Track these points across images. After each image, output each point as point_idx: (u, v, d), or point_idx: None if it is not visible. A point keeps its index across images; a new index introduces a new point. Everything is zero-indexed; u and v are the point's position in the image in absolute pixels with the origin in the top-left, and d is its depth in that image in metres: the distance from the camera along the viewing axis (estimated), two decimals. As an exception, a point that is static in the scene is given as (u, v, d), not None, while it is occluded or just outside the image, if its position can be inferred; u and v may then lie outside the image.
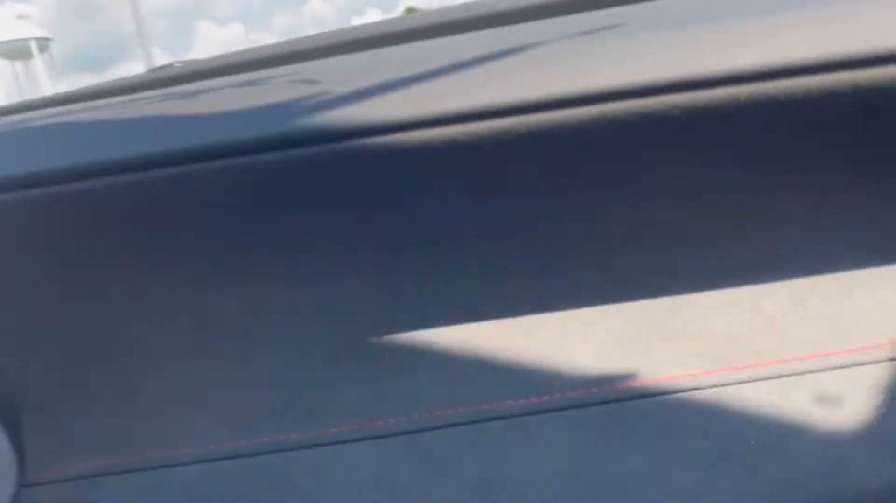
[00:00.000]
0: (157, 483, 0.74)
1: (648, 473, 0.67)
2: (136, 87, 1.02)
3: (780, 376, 0.70)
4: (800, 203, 0.74)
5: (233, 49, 1.19)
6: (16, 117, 0.91)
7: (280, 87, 0.79)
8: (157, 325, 0.79)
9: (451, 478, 0.70)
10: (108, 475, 0.76)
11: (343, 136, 0.68)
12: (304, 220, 0.74)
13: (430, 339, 0.76)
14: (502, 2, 0.93)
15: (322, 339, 0.78)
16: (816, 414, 0.68)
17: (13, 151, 0.77)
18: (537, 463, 0.69)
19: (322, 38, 1.02)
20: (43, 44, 25.61)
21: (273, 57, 0.99)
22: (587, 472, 0.68)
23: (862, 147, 0.71)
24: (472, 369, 0.75)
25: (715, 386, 0.70)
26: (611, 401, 0.71)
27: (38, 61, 25.22)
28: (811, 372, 0.70)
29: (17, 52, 25.18)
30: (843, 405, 0.68)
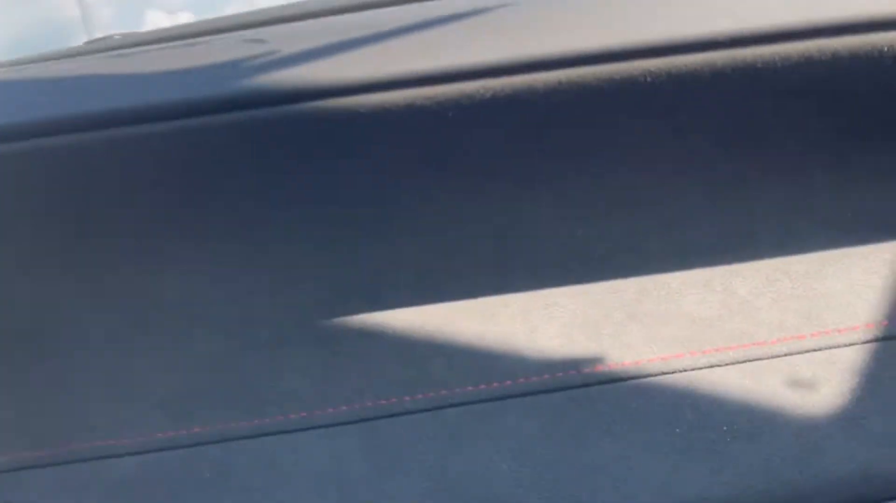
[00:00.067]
0: (88, 477, 0.69)
1: (616, 461, 0.64)
2: (73, 54, 0.97)
3: (752, 359, 0.68)
4: (772, 181, 0.72)
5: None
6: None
7: (227, 49, 0.75)
8: (87, 306, 0.74)
9: (406, 468, 0.66)
10: (31, 468, 0.70)
11: (291, 99, 0.64)
12: (246, 190, 0.70)
13: (384, 321, 0.72)
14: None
15: (266, 321, 0.74)
16: (789, 398, 0.66)
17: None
18: (498, 452, 0.66)
19: (274, 11, 0.97)
20: (-19, 33, 24.95)
21: (219, 28, 0.94)
22: (551, 462, 0.65)
23: (837, 124, 0.70)
24: (428, 353, 0.72)
25: (685, 370, 0.68)
26: (576, 386, 0.69)
27: (-25, 51, 24.56)
28: (783, 355, 0.68)
29: (-47, 40, 24.53)
30: (817, 389, 0.66)
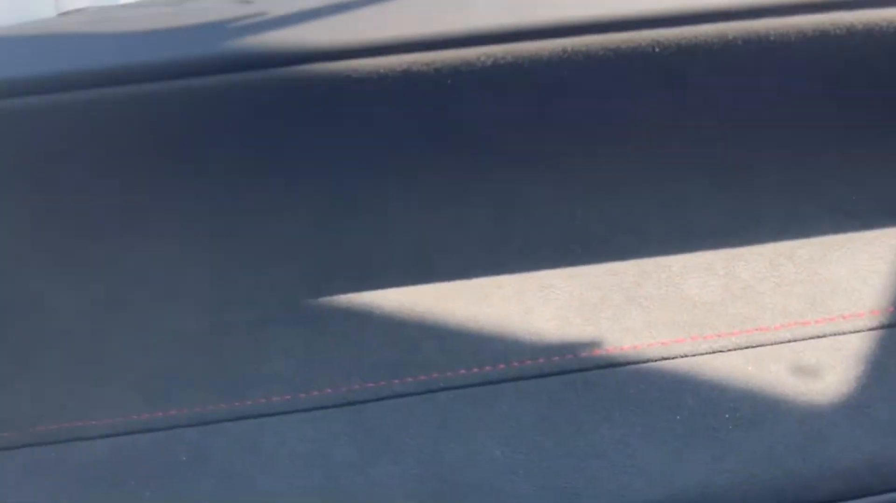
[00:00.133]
0: (56, 460, 0.67)
1: (615, 448, 0.63)
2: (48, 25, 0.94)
3: (755, 345, 0.67)
4: (777, 163, 0.71)
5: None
6: None
7: (214, 10, 0.72)
8: (56, 280, 0.71)
9: (395, 454, 0.64)
10: (-5, 451, 0.67)
11: (280, 62, 0.62)
12: (229, 159, 0.67)
13: (372, 301, 0.70)
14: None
15: (248, 299, 0.71)
16: (793, 385, 0.65)
17: None
18: (491, 438, 0.64)
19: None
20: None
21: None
22: (547, 448, 0.63)
23: (846, 104, 0.69)
24: (418, 335, 0.70)
25: (686, 355, 0.67)
26: (573, 370, 0.67)
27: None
28: (787, 341, 0.67)
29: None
30: (821, 376, 0.65)
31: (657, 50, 0.58)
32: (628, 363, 0.67)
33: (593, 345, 0.68)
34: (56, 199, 0.69)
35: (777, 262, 0.70)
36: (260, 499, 0.63)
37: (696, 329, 0.68)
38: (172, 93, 0.64)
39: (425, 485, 0.62)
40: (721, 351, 0.67)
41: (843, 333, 0.67)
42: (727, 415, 0.64)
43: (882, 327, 0.67)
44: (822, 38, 0.60)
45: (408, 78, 0.60)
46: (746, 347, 0.67)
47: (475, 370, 0.68)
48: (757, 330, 0.67)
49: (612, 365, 0.67)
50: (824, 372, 0.65)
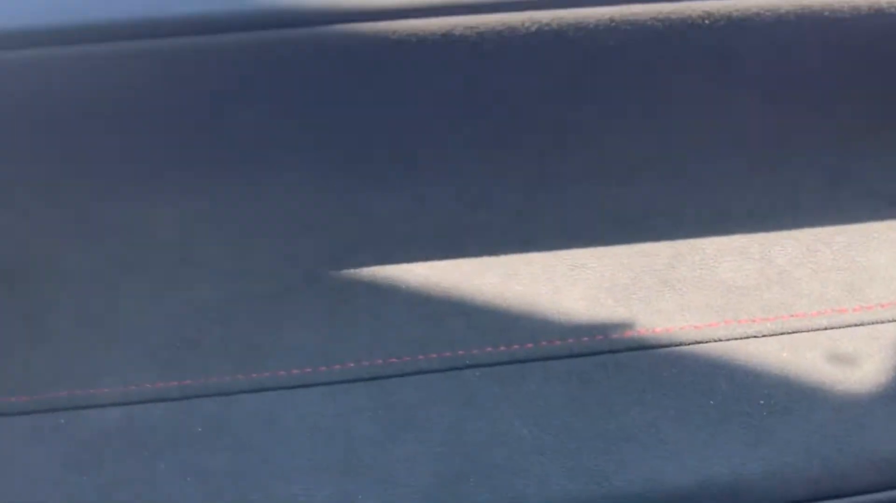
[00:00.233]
0: (65, 427, 0.65)
1: (646, 431, 0.62)
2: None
3: (791, 331, 0.66)
4: (817, 146, 0.70)
5: None
6: None
7: None
8: (69, 241, 0.70)
9: (418, 431, 0.63)
10: (2, 416, 0.66)
11: (311, 20, 0.60)
12: (254, 122, 0.66)
13: (397, 275, 0.69)
14: None
15: (269, 269, 0.70)
16: (829, 373, 0.64)
17: None
18: (519, 418, 0.63)
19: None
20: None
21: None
22: (576, 430, 0.63)
23: (890, 89, 0.68)
24: (444, 311, 0.69)
25: (720, 339, 0.66)
26: (603, 351, 0.66)
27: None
28: (824, 328, 0.66)
29: None
30: (858, 365, 0.64)
31: (707, 22, 0.57)
32: (660, 346, 0.66)
33: (624, 326, 0.67)
34: (73, 156, 0.68)
35: (814, 248, 0.69)
36: (278, 472, 0.62)
37: (730, 313, 0.67)
38: (198, 49, 0.62)
39: (449, 464, 0.61)
40: (756, 336, 0.66)
41: (882, 322, 0.66)
42: (762, 402, 0.63)
43: (921, 317, 0.66)
44: (878, 17, 0.59)
45: (447, 42, 0.59)
46: (782, 333, 0.66)
47: (503, 348, 0.67)
48: (793, 316, 0.67)
49: (644, 347, 0.66)
50: (861, 360, 0.65)
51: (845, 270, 0.68)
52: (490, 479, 0.60)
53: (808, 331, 0.66)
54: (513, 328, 0.68)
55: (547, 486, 0.60)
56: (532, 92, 0.64)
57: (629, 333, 0.67)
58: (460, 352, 0.67)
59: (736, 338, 0.66)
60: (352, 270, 0.70)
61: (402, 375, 0.66)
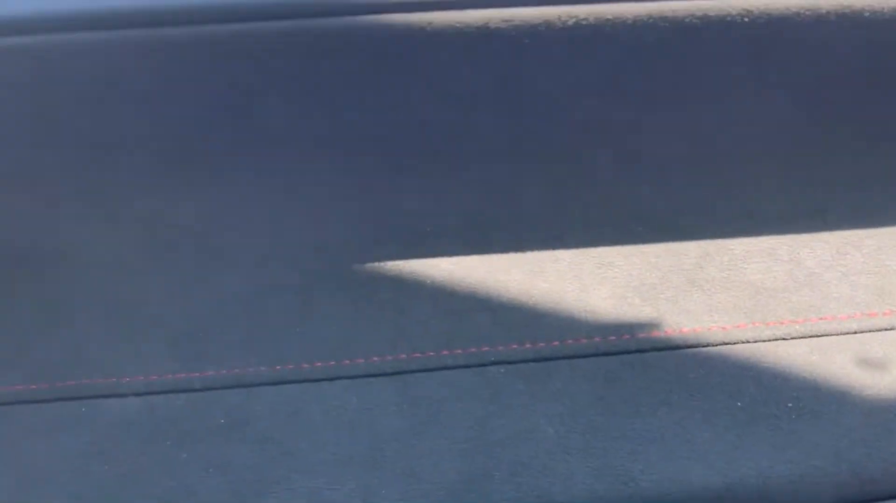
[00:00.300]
0: (85, 415, 0.65)
1: (672, 432, 0.62)
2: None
3: (820, 335, 0.66)
4: (849, 148, 0.70)
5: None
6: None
7: None
8: (94, 228, 0.69)
9: (443, 426, 0.63)
10: (23, 403, 0.66)
11: (343, 10, 0.60)
12: (284, 112, 0.66)
13: (423, 269, 0.69)
14: None
15: (294, 260, 0.70)
16: (858, 377, 0.64)
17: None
18: (544, 416, 0.63)
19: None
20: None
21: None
22: (602, 429, 0.62)
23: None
24: (469, 306, 0.69)
25: (748, 341, 0.66)
26: (630, 351, 0.66)
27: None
28: (853, 332, 0.66)
29: None
30: (888, 369, 0.64)
31: (746, 20, 0.57)
32: (688, 346, 0.66)
33: (651, 326, 0.67)
34: (97, 148, 0.68)
35: (843, 251, 0.69)
36: (301, 466, 0.61)
37: (758, 315, 0.67)
38: (229, 38, 0.62)
39: (474, 461, 0.61)
40: (784, 338, 0.66)
41: None
42: (790, 405, 0.63)
43: (951, 322, 0.66)
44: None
45: (483, 34, 0.58)
46: (811, 336, 0.66)
47: (528, 345, 0.67)
48: (822, 319, 0.67)
49: (671, 347, 0.66)
50: (891, 365, 0.65)
51: (875, 274, 0.68)
52: (515, 477, 0.60)
53: (837, 334, 0.66)
54: (539, 325, 0.67)
55: (572, 485, 0.60)
56: (565, 87, 0.63)
57: (656, 333, 0.67)
58: (485, 349, 0.67)
59: (764, 341, 0.66)
60: (377, 264, 0.69)
61: (426, 370, 0.66)
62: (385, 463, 0.61)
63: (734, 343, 0.66)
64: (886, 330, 0.66)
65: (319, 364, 0.67)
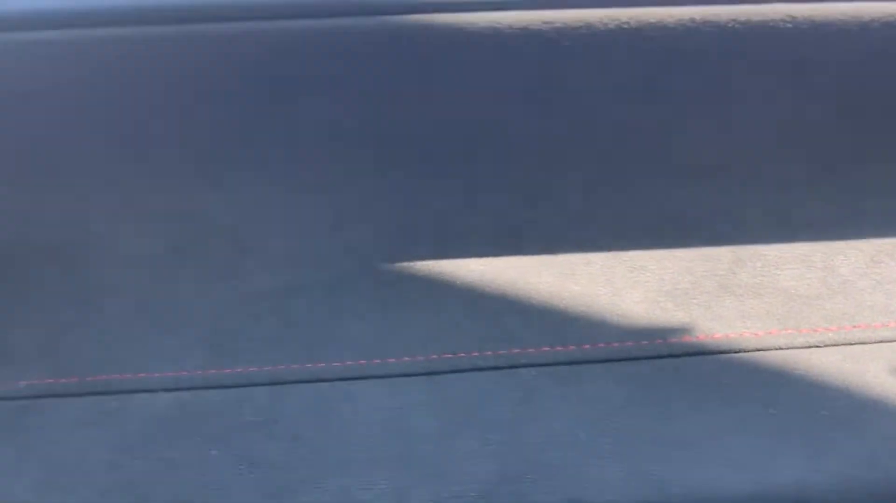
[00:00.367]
0: (115, 411, 0.65)
1: (705, 438, 0.62)
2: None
3: (854, 343, 0.66)
4: (885, 156, 0.70)
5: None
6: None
7: None
8: (126, 224, 0.70)
9: (475, 428, 0.63)
10: (53, 397, 0.66)
11: (385, 10, 0.60)
12: (317, 109, 0.66)
13: (454, 270, 0.69)
14: None
15: (326, 259, 0.70)
16: (893, 386, 0.64)
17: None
18: (576, 419, 0.63)
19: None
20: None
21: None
22: (634, 433, 0.62)
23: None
24: (501, 308, 0.69)
25: (781, 348, 0.66)
26: (662, 355, 0.66)
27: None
28: (888, 340, 0.66)
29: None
30: (923, 379, 0.64)
31: (790, 26, 0.57)
32: (720, 352, 0.66)
33: (684, 331, 0.67)
34: (129, 144, 0.68)
35: (878, 259, 0.69)
36: (332, 465, 0.61)
37: (791, 322, 0.67)
38: (264, 35, 0.62)
39: (506, 463, 0.61)
40: (817, 346, 0.66)
41: None
42: (824, 413, 0.63)
43: None
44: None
45: (523, 36, 0.59)
46: (844, 344, 0.66)
47: (559, 348, 0.67)
48: (855, 327, 0.67)
49: (703, 353, 0.66)
50: (926, 375, 0.65)
51: (910, 283, 0.68)
52: (547, 480, 0.60)
53: (871, 342, 0.66)
54: (570, 328, 0.68)
55: (605, 490, 0.60)
56: (603, 90, 0.64)
57: (689, 338, 0.67)
58: (516, 351, 0.67)
59: (797, 348, 0.66)
60: (407, 263, 0.69)
61: (457, 371, 0.66)
62: (417, 463, 0.61)
63: (767, 350, 0.66)
64: None
65: (350, 363, 0.67)
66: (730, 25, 0.59)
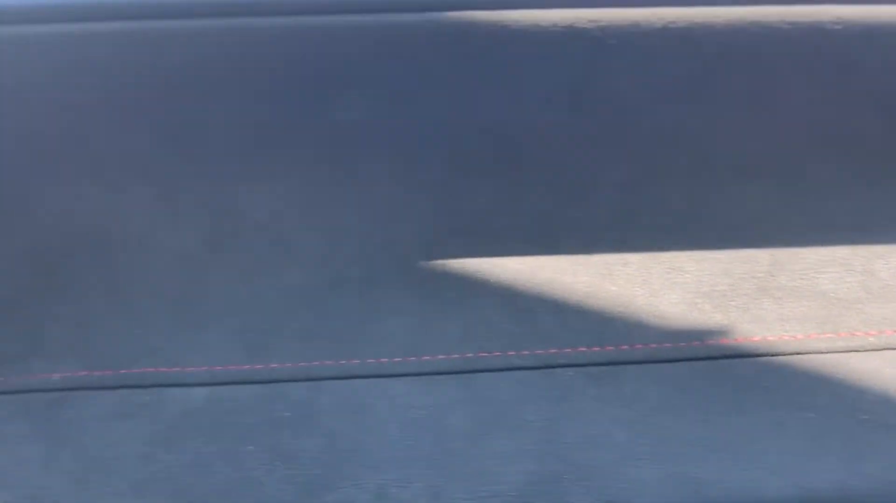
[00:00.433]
0: (149, 404, 0.66)
1: (743, 441, 0.62)
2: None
3: (894, 348, 0.66)
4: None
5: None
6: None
7: None
8: (161, 217, 0.70)
9: (511, 427, 0.63)
10: (87, 390, 0.66)
11: (429, 6, 0.61)
12: (358, 105, 0.66)
13: (490, 268, 0.69)
14: None
15: (361, 256, 0.70)
16: (935, 392, 0.64)
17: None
18: (613, 420, 0.64)
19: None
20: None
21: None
22: (672, 435, 0.63)
23: None
24: (537, 307, 0.69)
25: (820, 352, 0.66)
26: (700, 357, 0.66)
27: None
28: (929, 346, 0.66)
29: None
30: (965, 385, 0.64)
31: (839, 27, 0.57)
32: (758, 355, 0.66)
33: (722, 333, 0.67)
34: (164, 136, 0.68)
35: (919, 264, 0.69)
36: (369, 462, 0.62)
37: (830, 325, 0.67)
38: (306, 30, 0.63)
39: (543, 463, 0.61)
40: (857, 350, 0.66)
41: None
42: (864, 417, 0.63)
43: None
44: None
45: (569, 34, 0.59)
46: (884, 349, 0.66)
47: (596, 349, 0.67)
48: (896, 332, 0.67)
49: (742, 355, 0.66)
50: (969, 381, 0.65)
51: (952, 288, 0.68)
52: (584, 481, 0.60)
53: (912, 348, 0.66)
54: (607, 329, 0.68)
55: (643, 492, 0.60)
56: (647, 90, 0.64)
57: (726, 341, 0.67)
58: (553, 351, 0.67)
59: (836, 352, 0.66)
60: (444, 261, 0.70)
61: (494, 370, 0.66)
62: (453, 462, 0.61)
63: (806, 353, 0.66)
64: None
65: (385, 360, 0.67)
66: (778, 26, 0.59)
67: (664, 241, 0.70)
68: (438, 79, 0.64)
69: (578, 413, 0.64)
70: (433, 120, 0.67)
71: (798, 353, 0.66)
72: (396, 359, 0.67)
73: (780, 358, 0.66)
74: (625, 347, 0.67)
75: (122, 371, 0.67)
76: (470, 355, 0.67)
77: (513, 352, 0.67)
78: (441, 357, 0.67)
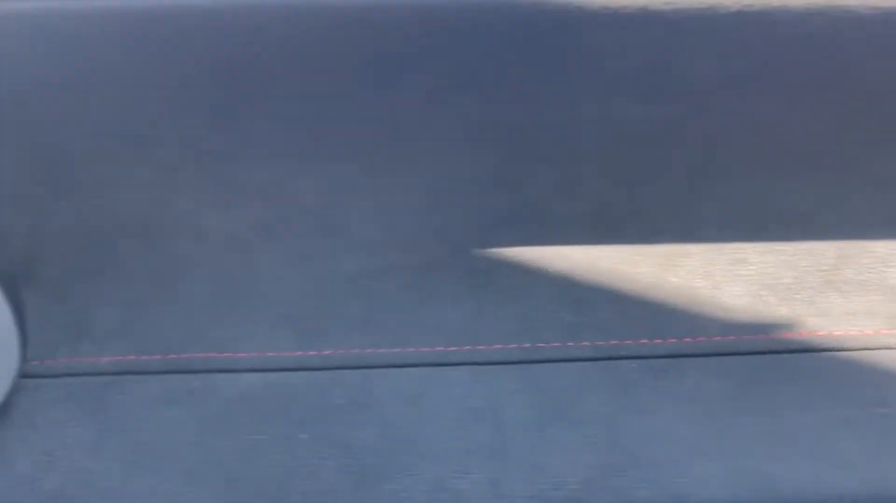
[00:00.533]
0: (199, 390, 0.66)
1: (811, 436, 0.62)
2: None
3: (968, 345, 0.65)
4: None
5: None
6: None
7: None
8: (212, 201, 0.70)
9: (571, 419, 0.63)
10: (135, 374, 0.67)
11: None
12: (417, 90, 0.66)
13: (549, 257, 0.69)
14: None
15: (415, 242, 0.70)
16: None
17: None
18: (676, 414, 0.63)
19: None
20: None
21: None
22: (738, 430, 0.62)
23: None
24: (597, 297, 0.69)
25: (889, 347, 0.65)
26: (765, 351, 0.66)
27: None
28: None
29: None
30: None
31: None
32: (825, 350, 0.66)
33: (787, 327, 0.67)
34: (216, 118, 0.68)
35: None
36: (425, 452, 0.62)
37: (899, 321, 0.67)
38: (369, 10, 0.62)
39: (605, 455, 0.61)
40: (930, 348, 0.66)
41: None
42: (938, 416, 0.63)
43: None
44: None
45: (641, 18, 0.58)
46: (959, 347, 0.66)
47: (658, 341, 0.67)
48: (969, 329, 0.66)
49: (807, 350, 0.66)
50: None
51: None
52: (648, 475, 0.60)
53: None
54: (669, 321, 0.67)
55: (708, 487, 0.60)
56: (715, 76, 0.63)
57: (792, 334, 0.67)
58: (613, 342, 0.67)
59: None
60: (500, 248, 0.70)
61: (552, 361, 0.66)
62: (512, 454, 0.61)
63: (874, 348, 0.66)
64: None
65: (440, 349, 0.67)
66: (857, 10, 0.58)
67: (728, 231, 0.70)
68: (501, 63, 0.64)
69: (640, 406, 0.64)
70: (492, 106, 0.66)
71: (866, 349, 0.65)
72: (452, 348, 0.67)
73: (847, 353, 0.65)
74: (687, 340, 0.66)
75: (171, 356, 0.67)
76: (527, 345, 0.67)
77: (571, 343, 0.67)
78: (497, 346, 0.67)
